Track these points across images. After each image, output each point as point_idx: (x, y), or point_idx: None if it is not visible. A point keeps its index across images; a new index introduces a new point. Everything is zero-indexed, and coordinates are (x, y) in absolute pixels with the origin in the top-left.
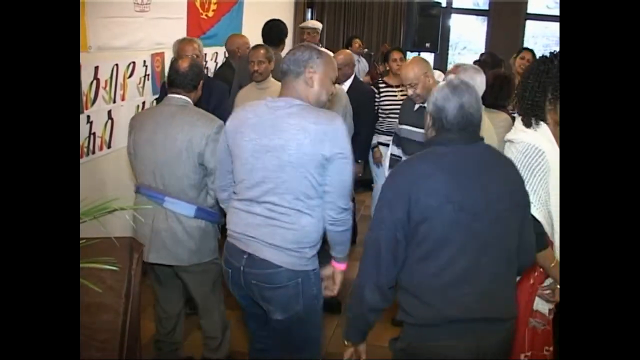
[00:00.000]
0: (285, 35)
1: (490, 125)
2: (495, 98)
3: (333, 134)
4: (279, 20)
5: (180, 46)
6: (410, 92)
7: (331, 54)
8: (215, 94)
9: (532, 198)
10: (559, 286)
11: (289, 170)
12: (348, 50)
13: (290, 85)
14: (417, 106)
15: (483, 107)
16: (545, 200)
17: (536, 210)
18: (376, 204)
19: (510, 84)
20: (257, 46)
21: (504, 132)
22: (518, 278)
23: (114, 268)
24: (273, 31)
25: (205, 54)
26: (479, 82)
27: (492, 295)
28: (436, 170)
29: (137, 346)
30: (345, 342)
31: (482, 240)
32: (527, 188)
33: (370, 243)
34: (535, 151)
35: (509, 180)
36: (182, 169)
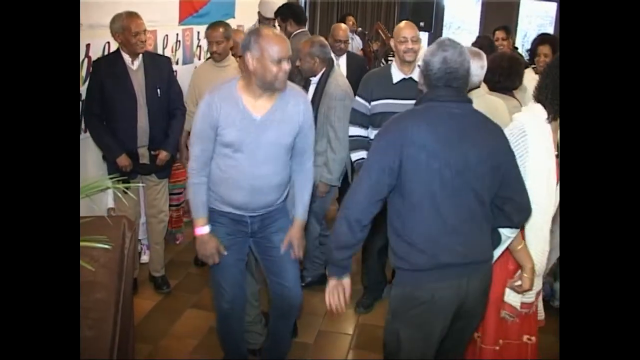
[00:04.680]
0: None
1: (504, 108)
2: (500, 81)
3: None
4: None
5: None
6: (409, 46)
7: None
8: (164, 69)
9: None
10: (525, 274)
11: None
12: (344, 25)
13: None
14: (397, 79)
15: (489, 91)
16: None
17: None
18: (368, 152)
19: (518, 66)
20: (214, 25)
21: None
22: (514, 235)
23: (107, 247)
24: (298, 9)
25: (198, 33)
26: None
27: (475, 243)
28: (427, 127)
29: (131, 324)
30: (328, 276)
31: (465, 194)
32: None
33: (355, 183)
34: (519, 132)
35: (490, 143)
36: None
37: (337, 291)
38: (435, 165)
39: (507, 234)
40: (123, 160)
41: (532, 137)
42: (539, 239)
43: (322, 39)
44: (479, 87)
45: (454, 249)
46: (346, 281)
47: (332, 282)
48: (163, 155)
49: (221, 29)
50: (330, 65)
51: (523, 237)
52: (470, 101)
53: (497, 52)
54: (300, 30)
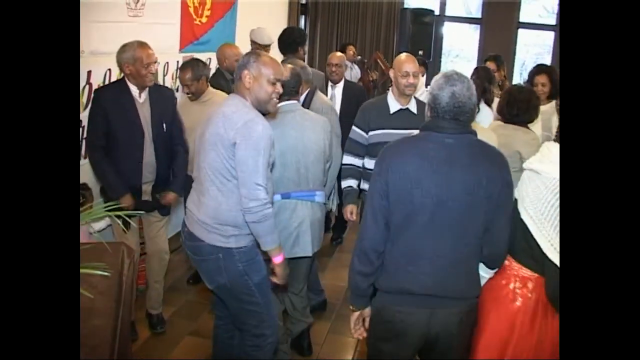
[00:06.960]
0: (300, 41)
1: (493, 140)
2: (519, 114)
3: (243, 125)
4: (294, 27)
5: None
6: (411, 80)
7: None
8: (169, 103)
9: None
10: None
11: (207, 148)
12: (340, 53)
13: (237, 85)
14: (394, 109)
15: (504, 124)
16: None
17: None
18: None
19: (536, 100)
20: (182, 67)
21: (533, 152)
22: (490, 275)
23: (105, 274)
24: (287, 37)
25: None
26: None
27: (448, 277)
28: (413, 156)
29: (128, 351)
30: (351, 307)
31: (444, 226)
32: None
33: (364, 214)
34: None
35: (484, 174)
36: (322, 165)
37: (360, 323)
38: (416, 193)
39: (482, 274)
40: (126, 200)
41: None
42: None
43: (300, 61)
44: None
45: (418, 278)
46: (367, 312)
47: (354, 315)
48: (171, 196)
49: (188, 73)
50: (313, 85)
51: None
52: (472, 132)
53: (511, 85)
54: (286, 57)
